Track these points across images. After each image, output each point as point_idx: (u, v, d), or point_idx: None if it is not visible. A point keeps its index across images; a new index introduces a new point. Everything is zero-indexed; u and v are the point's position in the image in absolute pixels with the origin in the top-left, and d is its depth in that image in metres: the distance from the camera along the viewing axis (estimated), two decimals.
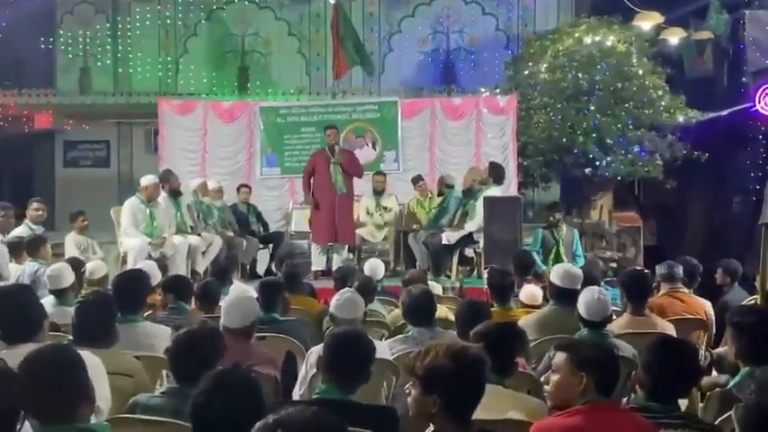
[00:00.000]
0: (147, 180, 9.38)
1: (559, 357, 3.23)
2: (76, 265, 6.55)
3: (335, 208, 9.86)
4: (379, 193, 10.98)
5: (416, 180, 11.10)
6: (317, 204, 9.95)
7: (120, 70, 16.23)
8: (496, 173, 10.03)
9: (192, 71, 16.13)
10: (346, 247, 10.29)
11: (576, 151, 12.58)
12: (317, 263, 10.13)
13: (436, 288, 7.07)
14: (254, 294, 5.38)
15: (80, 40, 16.23)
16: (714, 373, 4.95)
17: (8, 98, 15.30)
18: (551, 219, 9.33)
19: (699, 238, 14.44)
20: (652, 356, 3.26)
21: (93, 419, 2.89)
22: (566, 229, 9.32)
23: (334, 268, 9.23)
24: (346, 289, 5.05)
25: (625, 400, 4.13)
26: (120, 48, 16.25)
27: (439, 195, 10.77)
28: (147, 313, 5.30)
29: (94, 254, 9.12)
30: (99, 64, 16.26)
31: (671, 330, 5.05)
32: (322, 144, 10.48)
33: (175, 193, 9.81)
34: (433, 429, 2.76)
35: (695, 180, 13.97)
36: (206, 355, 3.39)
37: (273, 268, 10.35)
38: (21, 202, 9.19)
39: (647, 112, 12.63)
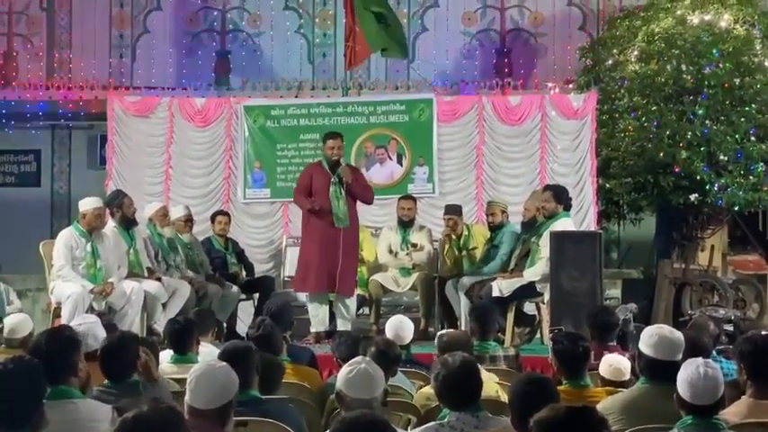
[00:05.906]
0: (88, 204, 9.42)
1: None
2: None
3: (339, 246, 9.84)
4: (405, 224, 10.94)
5: (449, 210, 11.01)
6: (308, 239, 9.96)
7: (57, 55, 16.38)
8: (559, 198, 9.98)
9: (153, 57, 16.26)
10: (354, 299, 10.28)
11: (677, 171, 12.54)
12: (318, 321, 10.10)
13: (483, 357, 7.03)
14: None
15: (1, 12, 16.39)
16: None
17: None
18: None
19: None
20: None
21: None
22: None
23: (339, 328, 9.21)
24: (360, 358, 5.01)
25: None
26: (56, 24, 16.40)
27: (491, 230, 10.74)
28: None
29: (9, 304, 9.13)
30: (27, 46, 16.41)
31: None
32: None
33: (129, 223, 9.85)
34: None
35: None
36: None
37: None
38: None
39: None
